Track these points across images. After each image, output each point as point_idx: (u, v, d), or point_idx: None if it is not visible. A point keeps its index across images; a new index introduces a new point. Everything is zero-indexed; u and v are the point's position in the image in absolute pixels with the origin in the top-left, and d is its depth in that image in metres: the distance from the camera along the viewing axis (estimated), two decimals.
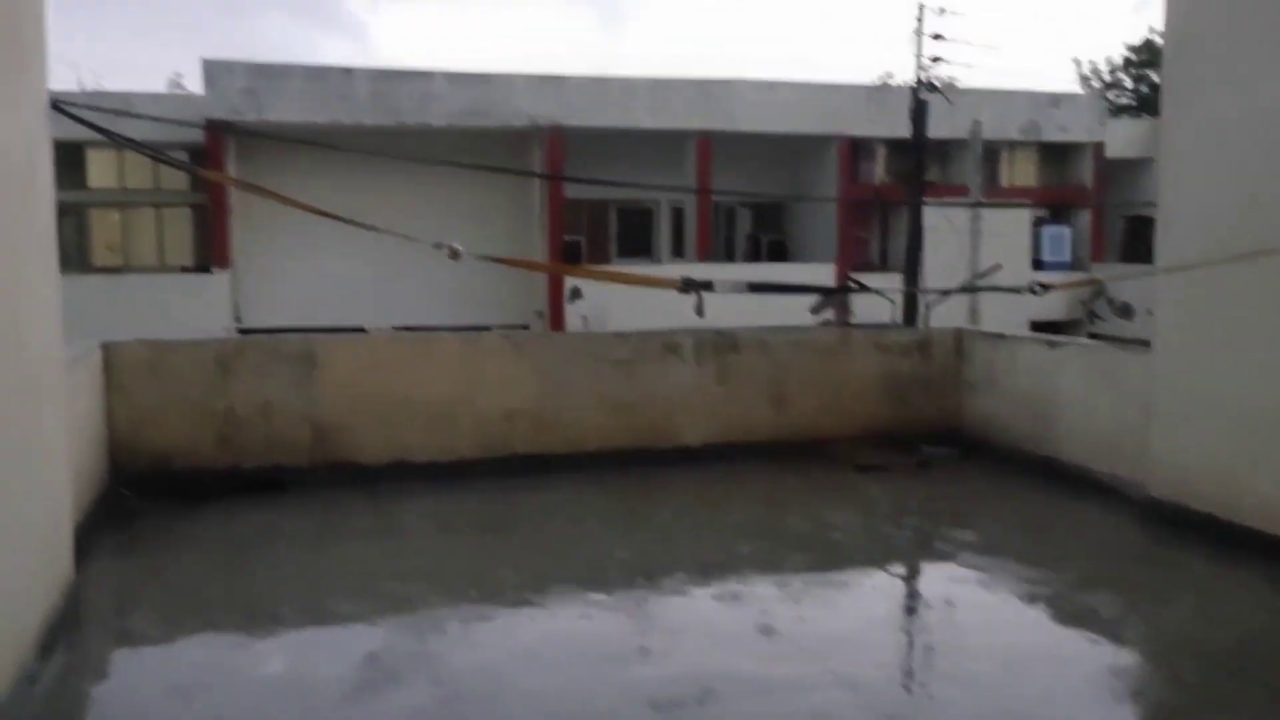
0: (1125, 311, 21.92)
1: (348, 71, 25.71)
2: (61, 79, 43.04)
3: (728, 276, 7.18)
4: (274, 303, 25.89)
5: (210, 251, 25.85)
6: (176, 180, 27.18)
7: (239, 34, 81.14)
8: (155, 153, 8.49)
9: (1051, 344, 8.92)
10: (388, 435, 8.37)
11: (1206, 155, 6.86)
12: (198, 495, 7.62)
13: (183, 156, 25.83)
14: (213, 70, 24.71)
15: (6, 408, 4.42)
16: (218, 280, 25.19)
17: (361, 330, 23.18)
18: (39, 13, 5.42)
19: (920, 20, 25.72)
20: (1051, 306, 27.85)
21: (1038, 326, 24.39)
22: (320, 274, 25.77)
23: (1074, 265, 31.33)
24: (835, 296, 25.31)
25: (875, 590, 6.27)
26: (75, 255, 26.68)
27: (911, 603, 6.18)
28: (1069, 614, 5.60)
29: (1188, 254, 6.87)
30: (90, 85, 40.30)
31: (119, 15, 79.16)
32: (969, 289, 19.34)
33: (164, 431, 7.91)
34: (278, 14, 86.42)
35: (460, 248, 6.09)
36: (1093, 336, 26.23)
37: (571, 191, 27.05)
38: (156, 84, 51.69)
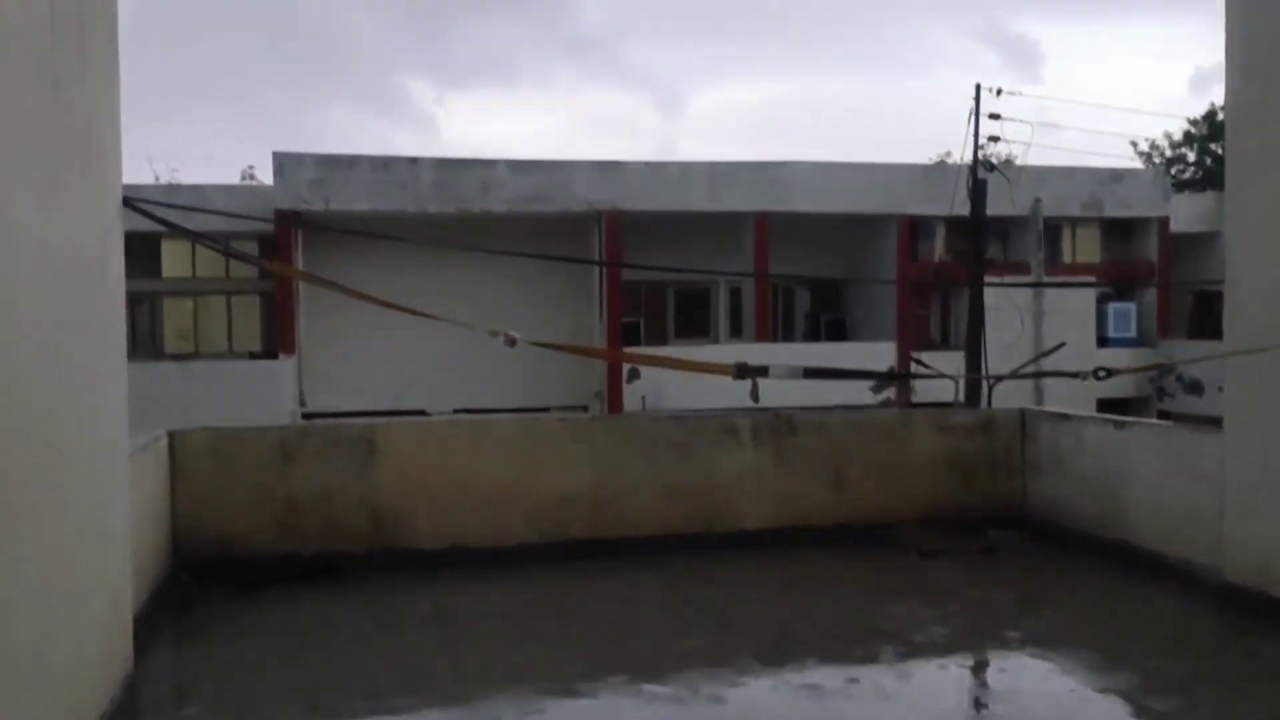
0: (1195, 388, 21.42)
1: (413, 161, 26.37)
2: (138, 173, 44.62)
3: (782, 361, 7.14)
4: (338, 387, 26.29)
5: (277, 337, 26.40)
6: (246, 268, 27.92)
7: (311, 126, 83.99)
8: (222, 247, 8.71)
9: (1119, 424, 8.73)
10: (445, 521, 8.38)
11: (1274, 229, 6.72)
12: (258, 582, 7.67)
13: (253, 245, 26.63)
14: (282, 162, 25.48)
15: (72, 500, 4.50)
16: (284, 366, 25.66)
17: (423, 414, 23.44)
18: (114, 115, 5.63)
19: (977, 100, 25.79)
20: (1119, 384, 27.31)
21: (1105, 404, 23.95)
22: (383, 358, 26.15)
23: (1141, 342, 30.79)
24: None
25: (942, 681, 6.08)
26: (148, 342, 27.44)
27: (980, 695, 5.99)
28: (1144, 707, 5.39)
29: (1257, 332, 6.71)
30: (166, 178, 41.88)
31: (197, 111, 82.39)
32: (1030, 375, 19.04)
33: (226, 518, 8.01)
34: (348, 107, 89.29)
35: (516, 335, 6.15)
36: (1162, 414, 25.69)
37: (629, 273, 27.29)
38: (230, 175, 53.59)
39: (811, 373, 7.24)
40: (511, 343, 6.19)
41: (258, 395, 24.01)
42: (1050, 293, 28.25)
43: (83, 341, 4.82)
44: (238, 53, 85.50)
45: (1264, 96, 6.89)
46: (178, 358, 26.83)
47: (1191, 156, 53.67)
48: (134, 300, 26.66)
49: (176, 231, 7.66)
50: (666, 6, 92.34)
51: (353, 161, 25.95)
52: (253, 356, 27.49)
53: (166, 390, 21.59)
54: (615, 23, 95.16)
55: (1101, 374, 6.83)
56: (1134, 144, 54.51)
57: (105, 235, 5.38)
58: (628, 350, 24.93)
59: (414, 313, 6.47)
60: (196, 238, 8.05)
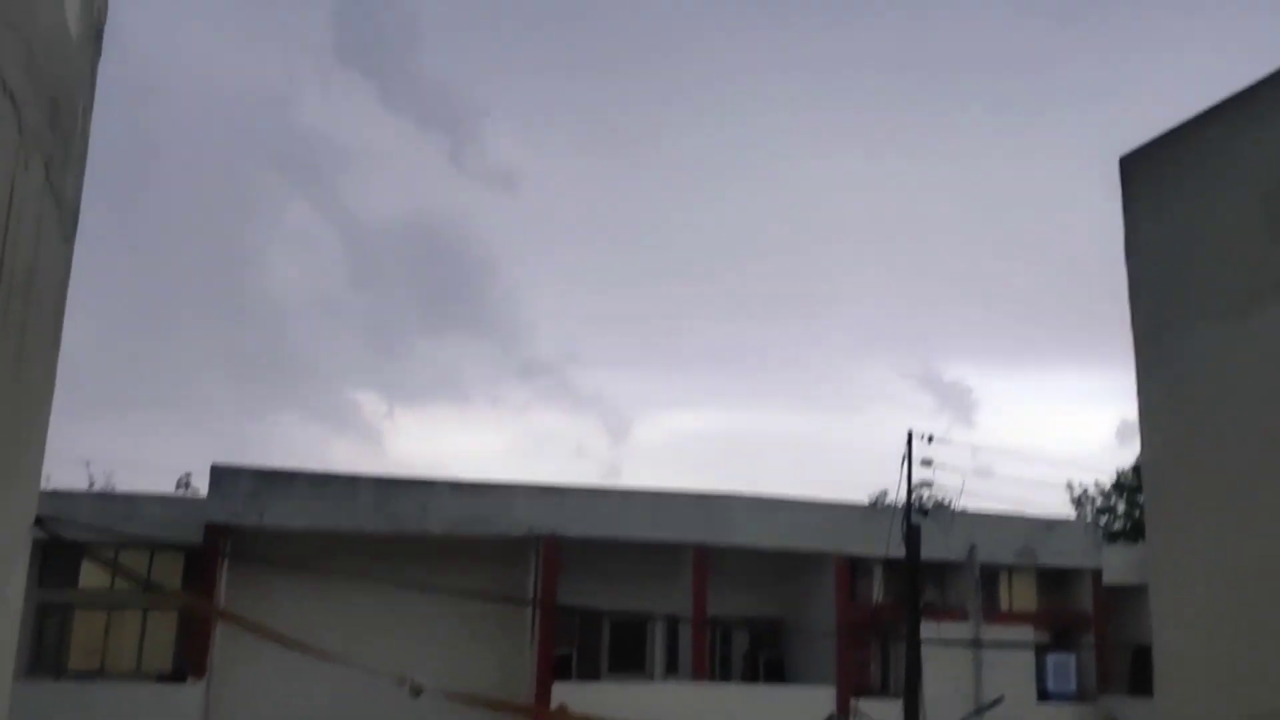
0: None
1: (352, 480, 26.22)
2: (73, 476, 43.97)
3: None
4: (250, 714, 24.75)
5: (189, 657, 25.12)
6: (166, 580, 26.95)
7: (258, 432, 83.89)
8: (138, 579, 8.45)
9: None
10: None
11: (1197, 596, 6.73)
12: None
13: (179, 556, 25.85)
14: (219, 475, 25.22)
15: None
16: (191, 690, 24.23)
17: None
18: (41, 431, 5.59)
19: (909, 449, 26.63)
20: None
21: None
22: (301, 683, 24.58)
23: (1080, 695, 30.27)
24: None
25: None
26: (53, 658, 25.89)
27: None
28: None
29: (1188, 704, 6.57)
30: (101, 482, 41.29)
31: (141, 412, 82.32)
32: None
33: None
34: (297, 416, 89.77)
35: (425, 684, 5.88)
36: None
37: (564, 599, 26.74)
38: (168, 481, 52.80)
39: None
40: (417, 693, 5.90)
41: None
42: (989, 639, 27.99)
43: None
44: (187, 356, 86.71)
45: (1177, 461, 7.09)
46: (81, 676, 25.26)
47: (1122, 507, 54.97)
48: (44, 612, 25.43)
49: (92, 558, 7.44)
50: (619, 336, 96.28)
51: (291, 478, 25.79)
52: (161, 678, 25.97)
53: (64, 714, 20.29)
54: (569, 348, 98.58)
55: None
56: (1070, 485, 55.75)
57: (8, 557, 5.19)
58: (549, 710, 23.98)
59: (320, 654, 6.20)
60: (113, 566, 7.80)
